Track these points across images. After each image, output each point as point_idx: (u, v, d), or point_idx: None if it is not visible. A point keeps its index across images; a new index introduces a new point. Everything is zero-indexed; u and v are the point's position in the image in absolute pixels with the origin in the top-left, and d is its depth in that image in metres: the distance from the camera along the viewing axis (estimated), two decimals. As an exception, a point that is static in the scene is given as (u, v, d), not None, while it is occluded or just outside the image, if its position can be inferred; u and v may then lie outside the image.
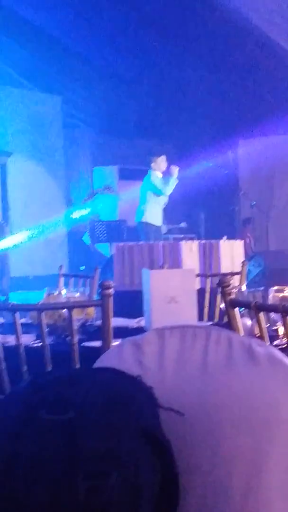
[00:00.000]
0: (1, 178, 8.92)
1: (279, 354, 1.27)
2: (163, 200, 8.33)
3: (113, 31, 9.39)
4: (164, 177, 8.30)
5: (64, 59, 9.59)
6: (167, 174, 8.31)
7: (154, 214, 8.31)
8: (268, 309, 2.11)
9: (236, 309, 2.06)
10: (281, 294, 2.83)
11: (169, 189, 8.21)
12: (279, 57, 9.82)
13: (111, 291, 2.33)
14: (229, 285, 2.01)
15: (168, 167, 8.31)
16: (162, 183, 8.21)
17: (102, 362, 1.40)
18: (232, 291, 2.05)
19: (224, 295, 2.02)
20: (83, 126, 10.30)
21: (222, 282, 2.02)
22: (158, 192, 8.19)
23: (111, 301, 2.34)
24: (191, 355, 1.30)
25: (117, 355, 1.37)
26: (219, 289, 2.16)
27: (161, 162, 8.32)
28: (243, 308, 2.47)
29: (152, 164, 8.30)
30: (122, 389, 1.18)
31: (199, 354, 1.30)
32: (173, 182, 8.23)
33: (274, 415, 1.22)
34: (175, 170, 8.25)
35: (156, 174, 8.27)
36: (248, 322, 2.60)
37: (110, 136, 10.33)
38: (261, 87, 10.11)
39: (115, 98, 10.01)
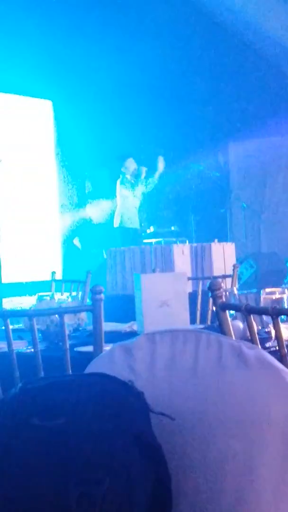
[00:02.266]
0: (-8, 184, 8.89)
1: (269, 357, 1.27)
2: (137, 202, 8.41)
3: (106, 35, 9.40)
4: (132, 179, 8.37)
5: (55, 63, 9.58)
6: (136, 176, 8.40)
7: (130, 217, 8.40)
8: (258, 312, 2.11)
9: (227, 312, 2.06)
10: (272, 296, 2.83)
11: (138, 191, 8.32)
12: (269, 60, 9.87)
13: (102, 296, 2.33)
14: (219, 288, 2.02)
15: (137, 169, 8.39)
16: (130, 186, 8.31)
17: (93, 367, 1.40)
18: (223, 294, 2.05)
19: (215, 298, 2.02)
20: (75, 130, 10.28)
21: (213, 286, 2.02)
22: (126, 196, 8.30)
23: (102, 306, 2.33)
24: (181, 359, 1.31)
25: (108, 360, 1.37)
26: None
27: (129, 165, 8.41)
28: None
29: (122, 169, 8.40)
30: (113, 394, 1.18)
31: (190, 358, 1.30)
32: (141, 183, 8.32)
33: (264, 418, 1.22)
34: (143, 170, 8.34)
35: (126, 178, 8.36)
36: (241, 324, 2.61)
37: (101, 140, 10.32)
38: (251, 90, 10.14)
39: (106, 102, 10.00)
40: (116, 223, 8.46)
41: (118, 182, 8.42)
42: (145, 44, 9.55)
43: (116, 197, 8.42)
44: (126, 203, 8.31)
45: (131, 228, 8.39)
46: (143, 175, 8.27)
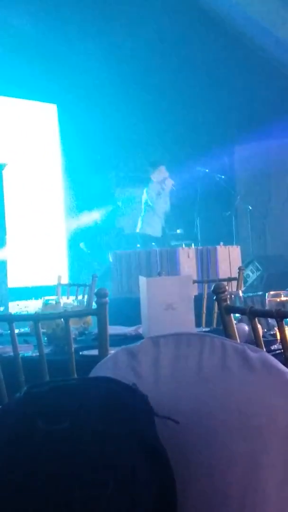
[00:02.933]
0: (-2, 187, 8.90)
1: (273, 360, 1.27)
2: (161, 211, 8.37)
3: (110, 40, 9.42)
4: (161, 188, 8.34)
5: (59, 67, 9.60)
6: (163, 185, 8.36)
7: (151, 225, 8.35)
8: (263, 314, 2.11)
9: (232, 315, 2.07)
10: (278, 299, 2.83)
11: (160, 203, 8.29)
12: (275, 62, 9.86)
13: (107, 299, 2.33)
14: (224, 291, 2.02)
15: (166, 179, 8.36)
16: (155, 194, 8.27)
17: (97, 371, 1.40)
18: (227, 297, 2.05)
19: (219, 301, 2.02)
20: (80, 134, 10.30)
21: (217, 289, 2.02)
22: (148, 206, 8.28)
23: (107, 310, 2.34)
24: (185, 363, 1.31)
25: (113, 364, 1.37)
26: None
27: (159, 173, 8.37)
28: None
29: (152, 176, 8.35)
30: (117, 398, 1.18)
31: (194, 361, 1.30)
32: (165, 196, 8.30)
33: (269, 421, 1.22)
34: (169, 184, 8.31)
35: (153, 186, 8.32)
36: (246, 327, 2.60)
37: (107, 144, 10.33)
38: (257, 92, 10.14)
39: (111, 105, 10.02)
40: (139, 228, 8.43)
41: (146, 188, 8.39)
42: (150, 48, 9.57)
43: (145, 203, 8.36)
44: (149, 210, 8.30)
45: (152, 236, 8.37)
46: (169, 188, 8.27)
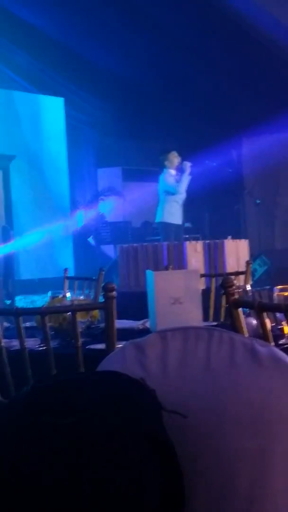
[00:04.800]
0: (4, 181, 8.93)
1: (282, 354, 1.27)
2: (180, 197, 8.31)
3: (116, 33, 9.39)
4: (177, 174, 8.28)
5: (66, 61, 9.59)
6: (180, 170, 8.30)
7: (172, 213, 8.29)
8: (271, 309, 2.10)
9: (240, 309, 2.05)
10: (285, 293, 2.81)
11: (183, 186, 8.21)
12: (282, 55, 9.81)
13: (114, 293, 2.32)
14: (232, 285, 2.01)
15: (181, 163, 8.29)
16: (175, 181, 8.20)
17: (104, 365, 1.39)
18: (235, 291, 2.04)
19: (228, 295, 2.01)
20: (86, 128, 10.30)
21: (225, 282, 2.01)
22: (172, 191, 8.19)
23: (114, 304, 2.33)
24: (193, 357, 1.30)
25: (120, 358, 1.36)
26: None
27: (173, 158, 8.30)
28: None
29: (166, 162, 8.28)
30: (125, 392, 1.18)
31: (202, 355, 1.29)
32: (186, 178, 8.22)
33: (277, 416, 1.21)
34: (187, 166, 8.24)
35: (169, 172, 8.26)
36: (254, 321, 2.59)
37: (113, 138, 10.33)
38: (265, 86, 10.09)
39: (118, 99, 10.00)
40: (158, 218, 8.35)
41: (162, 176, 8.31)
42: (157, 41, 9.54)
43: (165, 191, 8.29)
44: (169, 198, 8.23)
45: (174, 224, 8.31)
46: (188, 170, 8.20)
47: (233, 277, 3.22)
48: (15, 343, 2.65)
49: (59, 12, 9.08)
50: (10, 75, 9.39)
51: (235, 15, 9.16)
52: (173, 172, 8.27)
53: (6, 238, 8.64)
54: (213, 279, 4.23)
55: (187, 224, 9.44)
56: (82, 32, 9.36)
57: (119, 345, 2.23)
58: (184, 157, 8.63)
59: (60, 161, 10.30)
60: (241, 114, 10.58)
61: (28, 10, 8.88)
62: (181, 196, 8.29)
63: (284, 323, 2.54)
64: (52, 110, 10.26)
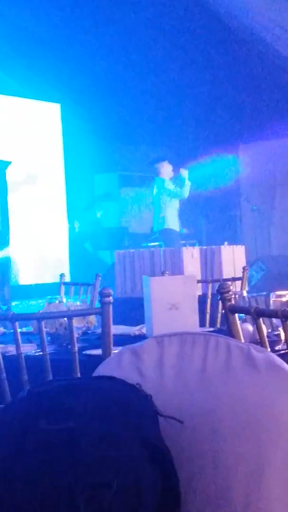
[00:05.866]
0: (1, 187, 8.90)
1: (278, 360, 1.27)
2: (177, 204, 8.35)
3: (113, 39, 9.41)
4: (174, 181, 8.33)
5: (63, 67, 9.60)
6: (177, 178, 8.33)
7: (174, 220, 8.34)
8: (267, 315, 2.10)
9: (236, 315, 2.05)
10: (282, 299, 2.82)
11: (186, 191, 8.26)
12: (280, 62, 9.84)
13: (111, 299, 2.32)
14: (228, 291, 2.01)
15: (176, 171, 8.33)
16: (178, 187, 8.24)
17: (101, 370, 1.39)
18: (232, 297, 2.04)
19: (224, 300, 2.01)
20: (83, 133, 10.30)
21: (222, 288, 2.01)
22: (178, 196, 8.23)
23: (110, 309, 2.33)
24: (190, 362, 1.30)
25: (116, 363, 1.36)
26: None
27: (167, 167, 8.33)
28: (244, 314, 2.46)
29: (162, 170, 8.30)
30: (121, 398, 1.17)
31: (198, 361, 1.29)
32: (187, 184, 8.26)
33: (274, 422, 1.21)
34: (185, 173, 8.28)
35: (166, 180, 8.28)
36: (250, 327, 2.59)
37: (110, 143, 10.34)
38: (262, 92, 10.12)
39: (114, 105, 10.02)
40: (161, 225, 8.37)
41: (160, 186, 8.32)
42: (154, 48, 9.56)
43: (161, 198, 8.30)
44: (170, 205, 8.25)
45: (176, 231, 8.35)
46: (186, 177, 8.24)
47: (229, 283, 3.22)
48: (11, 349, 2.65)
49: (56, 17, 9.10)
50: (6, 80, 9.39)
51: (233, 21, 9.19)
52: (168, 179, 8.30)
53: (2, 243, 8.62)
54: (210, 285, 4.23)
55: (184, 230, 9.44)
56: (79, 37, 9.38)
57: (116, 351, 2.23)
58: (181, 163, 8.65)
59: (57, 166, 10.31)
60: (238, 120, 10.60)
61: (26, 15, 8.90)
62: (178, 203, 8.33)
63: (280, 329, 2.54)
64: (48, 116, 10.27)
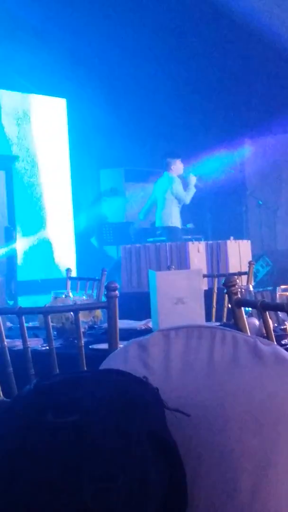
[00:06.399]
0: (7, 182, 8.92)
1: (285, 353, 1.27)
2: (181, 202, 8.37)
3: (119, 34, 9.39)
4: (183, 183, 8.33)
5: (69, 62, 9.59)
6: (183, 180, 8.33)
7: (176, 217, 8.34)
8: (273, 308, 2.09)
9: (242, 309, 2.05)
10: (288, 293, 2.81)
11: (189, 197, 8.28)
12: (286, 56, 9.81)
13: (117, 293, 2.32)
14: (234, 285, 2.00)
15: (186, 172, 8.33)
16: (184, 191, 8.26)
17: (107, 364, 1.39)
18: (238, 291, 2.04)
19: (230, 295, 2.01)
20: (89, 128, 10.29)
21: (228, 282, 2.01)
22: (182, 199, 8.25)
23: (116, 303, 2.33)
24: (196, 356, 1.30)
25: (123, 357, 1.36)
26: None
27: (179, 165, 8.31)
28: (251, 308, 2.46)
29: (173, 167, 8.27)
30: (128, 391, 1.18)
31: (205, 354, 1.29)
32: (192, 191, 8.27)
33: (281, 414, 1.21)
34: (193, 179, 8.28)
35: (178, 180, 8.27)
36: (256, 321, 2.59)
37: (116, 138, 10.32)
38: (268, 86, 10.09)
39: (121, 100, 10.00)
40: (165, 222, 8.37)
41: (170, 183, 8.30)
42: (162, 42, 9.53)
43: (168, 196, 8.30)
44: (176, 203, 8.26)
45: (180, 228, 8.36)
46: (193, 183, 8.26)
47: (235, 277, 3.22)
48: (18, 343, 2.65)
49: (63, 12, 9.08)
50: (12, 75, 9.39)
51: (238, 16, 9.16)
52: (179, 180, 8.29)
53: (8, 238, 8.64)
54: (216, 280, 4.23)
55: (190, 225, 9.43)
56: (85, 33, 9.36)
57: (122, 345, 2.23)
58: (186, 157, 8.63)
59: (63, 162, 10.30)
60: (244, 115, 10.57)
61: (31, 10, 8.89)
62: (182, 203, 8.35)
63: (286, 323, 2.54)
64: (54, 111, 10.26)
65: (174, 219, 8.28)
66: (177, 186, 8.23)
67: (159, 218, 8.43)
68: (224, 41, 9.52)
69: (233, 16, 9.02)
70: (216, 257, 6.44)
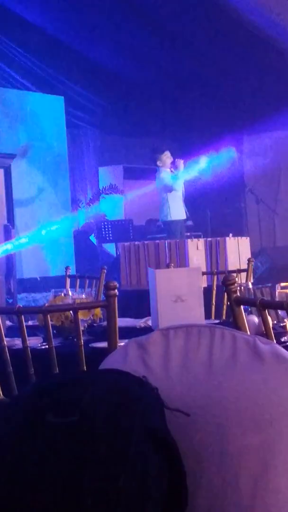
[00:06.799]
0: (6, 180, 8.89)
1: (284, 352, 1.27)
2: (179, 192, 8.31)
3: (116, 31, 9.38)
4: (171, 172, 8.28)
5: (66, 59, 9.58)
6: (173, 168, 8.30)
7: (177, 209, 8.30)
8: (273, 306, 2.09)
9: (241, 306, 2.05)
10: (287, 291, 2.80)
11: (179, 183, 8.22)
12: (284, 53, 9.80)
13: (116, 291, 2.32)
14: (233, 283, 2.00)
15: (173, 162, 8.29)
16: (170, 179, 8.20)
17: (107, 363, 1.39)
18: (237, 288, 2.03)
19: (229, 292, 2.00)
20: (87, 126, 10.29)
21: (227, 280, 2.00)
22: (169, 188, 8.20)
23: (116, 302, 2.33)
24: (196, 355, 1.30)
25: (122, 356, 1.36)
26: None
27: (166, 159, 8.29)
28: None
29: (158, 162, 8.27)
30: (127, 391, 1.18)
31: (204, 353, 1.29)
32: (181, 175, 8.22)
33: (280, 412, 1.21)
34: (180, 163, 8.24)
35: (163, 172, 8.25)
36: (255, 319, 2.59)
37: (114, 136, 10.32)
38: (266, 83, 10.08)
39: (118, 97, 10.00)
40: (164, 217, 8.35)
41: (157, 175, 8.30)
42: (159, 39, 9.52)
43: (160, 189, 8.27)
44: (171, 196, 8.23)
45: (179, 220, 8.33)
46: (182, 167, 8.21)
47: (234, 274, 3.22)
48: (17, 342, 2.65)
49: (59, 10, 9.07)
50: (10, 73, 9.38)
51: (236, 13, 9.15)
52: (167, 170, 8.27)
53: (7, 236, 8.63)
54: (215, 277, 4.23)
55: (189, 222, 9.43)
56: (82, 30, 9.35)
57: (121, 344, 2.23)
58: (185, 154, 8.62)
59: (61, 159, 10.29)
60: (242, 111, 10.56)
61: (28, 8, 8.88)
62: (179, 192, 8.30)
63: (286, 320, 2.54)
64: (52, 108, 10.25)
65: (173, 213, 8.26)
66: (159, 175, 8.23)
67: (160, 212, 8.45)
68: (223, 38, 9.51)
69: (233, 13, 9.01)
70: (215, 254, 6.44)
